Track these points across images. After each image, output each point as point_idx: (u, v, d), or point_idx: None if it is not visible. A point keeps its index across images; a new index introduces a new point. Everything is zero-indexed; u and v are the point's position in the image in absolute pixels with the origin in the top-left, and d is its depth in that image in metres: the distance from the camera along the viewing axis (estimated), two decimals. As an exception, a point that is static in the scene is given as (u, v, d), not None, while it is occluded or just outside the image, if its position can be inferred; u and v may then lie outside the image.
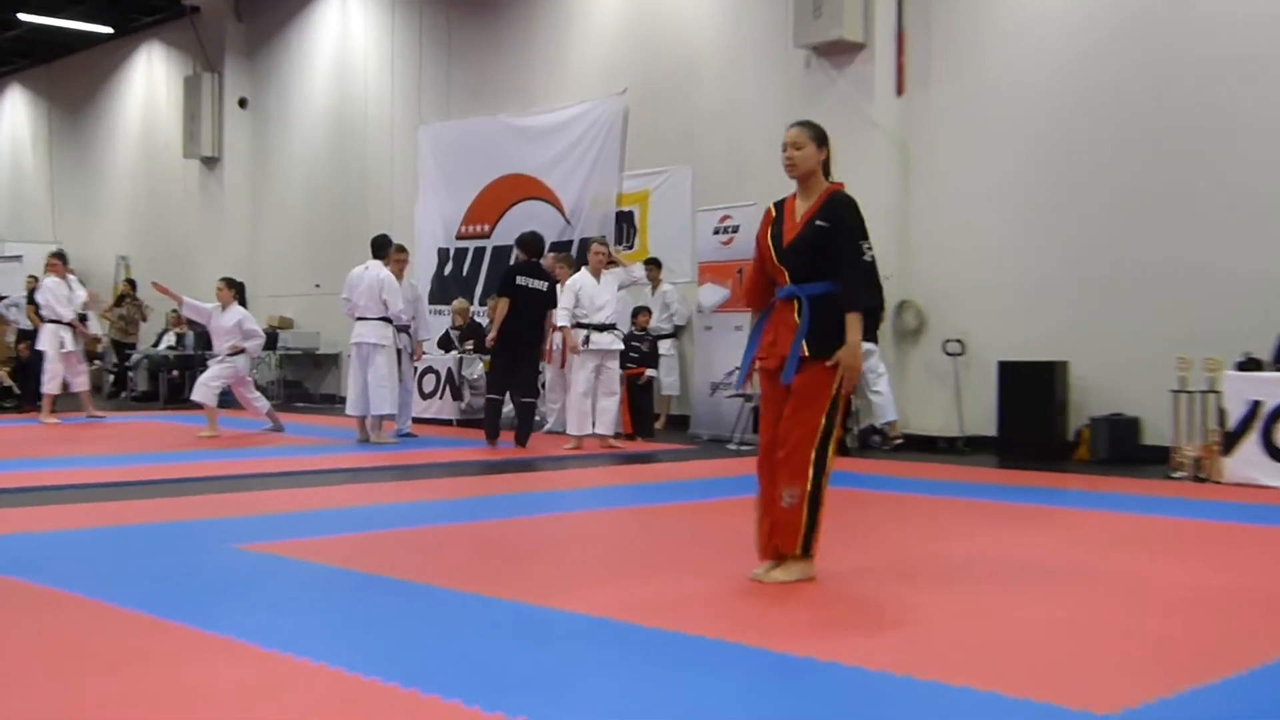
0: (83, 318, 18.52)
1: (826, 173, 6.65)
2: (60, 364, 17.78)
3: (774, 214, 6.71)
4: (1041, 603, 6.12)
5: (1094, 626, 5.64)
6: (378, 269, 14.72)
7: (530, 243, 14.92)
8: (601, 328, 14.34)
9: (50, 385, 17.76)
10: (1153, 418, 13.10)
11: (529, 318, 14.43)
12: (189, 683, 4.63)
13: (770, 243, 6.60)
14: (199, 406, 15.69)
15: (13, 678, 4.73)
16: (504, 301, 14.43)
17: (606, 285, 14.41)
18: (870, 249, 6.39)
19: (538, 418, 16.91)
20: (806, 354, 6.40)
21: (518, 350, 14.42)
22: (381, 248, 14.95)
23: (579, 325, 14.29)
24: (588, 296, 14.27)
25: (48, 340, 17.78)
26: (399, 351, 14.92)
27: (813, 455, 6.39)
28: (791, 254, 6.51)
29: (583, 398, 14.40)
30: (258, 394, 16.33)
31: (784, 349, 6.48)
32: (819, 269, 6.45)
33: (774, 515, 6.52)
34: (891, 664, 4.86)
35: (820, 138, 6.62)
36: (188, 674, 4.75)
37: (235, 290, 16.02)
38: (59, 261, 18.50)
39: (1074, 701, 4.37)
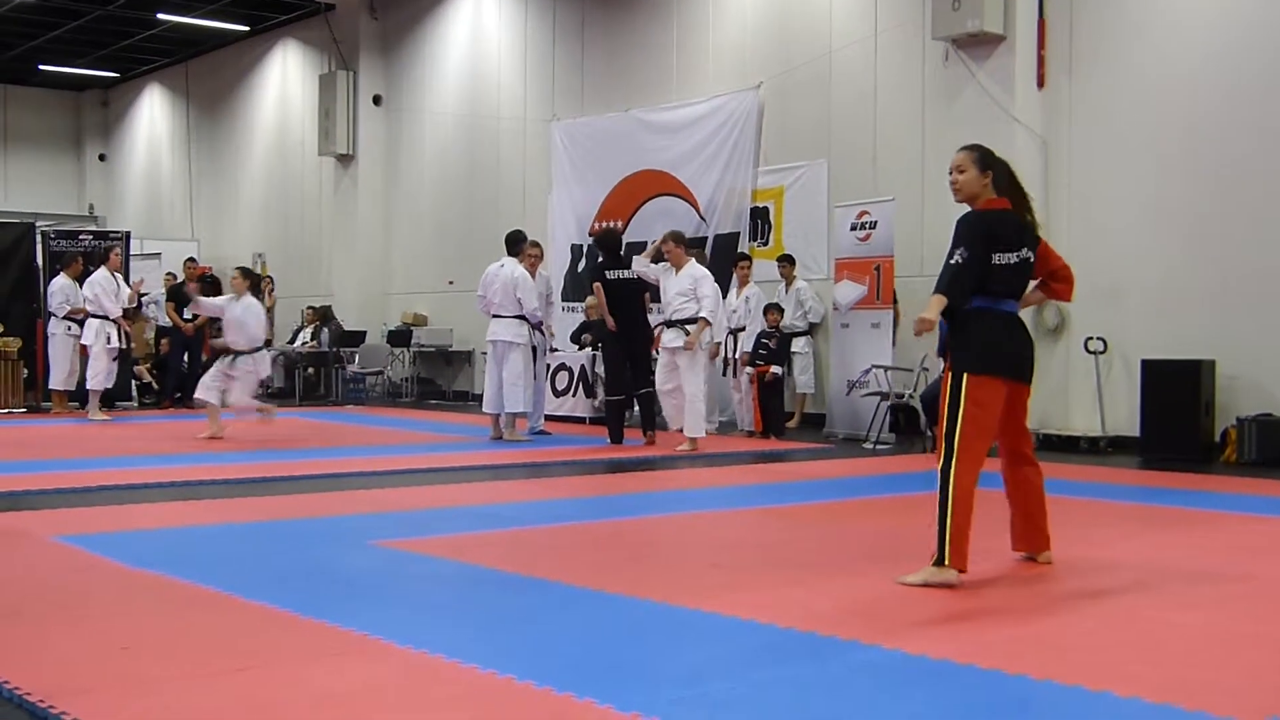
0: (126, 313, 18.66)
1: (1002, 190, 6.76)
2: (105, 359, 17.83)
3: None
4: (1186, 608, 5.99)
5: (1240, 633, 5.53)
6: (512, 266, 14.69)
7: (605, 241, 15.14)
8: (670, 324, 14.07)
9: (95, 381, 17.80)
10: (1305, 418, 12.77)
11: (628, 306, 14.44)
12: (324, 678, 4.67)
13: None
14: (337, 404, 15.60)
15: (151, 672, 4.77)
16: (597, 286, 14.61)
17: (677, 281, 14.05)
18: (960, 254, 6.56)
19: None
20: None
21: (629, 345, 14.35)
22: (515, 244, 14.93)
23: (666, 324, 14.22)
24: (662, 293, 14.20)
25: (93, 336, 17.82)
26: (534, 349, 14.85)
27: (939, 464, 6.52)
28: None
29: (666, 396, 14.28)
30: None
31: None
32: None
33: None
34: (1031, 667, 4.81)
35: (984, 162, 6.75)
36: (323, 670, 4.79)
37: (250, 280, 15.18)
38: (119, 254, 18.63)
39: (1220, 709, 4.30)
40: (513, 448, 13.98)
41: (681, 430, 14.00)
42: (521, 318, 14.61)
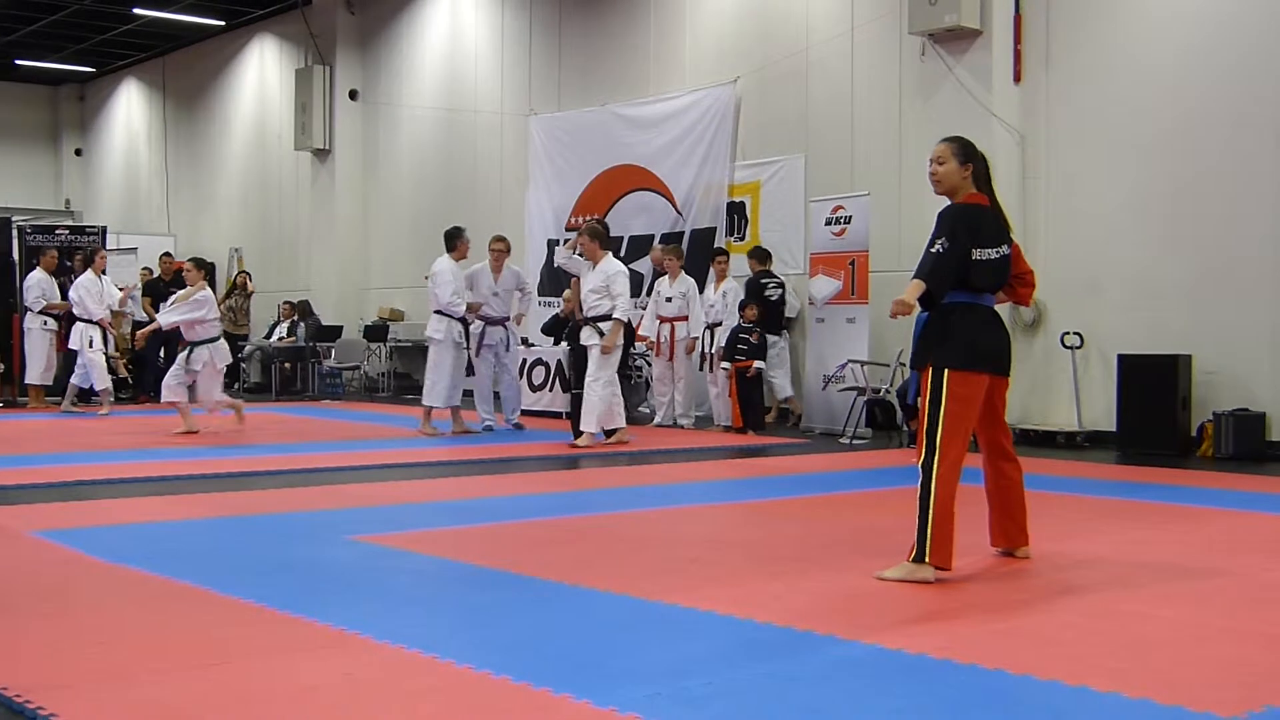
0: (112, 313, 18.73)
1: (980, 185, 6.75)
2: (99, 359, 17.80)
3: None
4: (1163, 603, 5.99)
5: (1217, 628, 5.54)
6: (439, 262, 14.83)
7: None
8: (585, 322, 13.74)
9: (100, 381, 17.80)
10: (1280, 414, 12.83)
11: None
12: (302, 673, 4.67)
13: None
14: (314, 399, 15.56)
15: (129, 667, 4.77)
16: (576, 280, 14.42)
17: (592, 278, 13.73)
18: (941, 243, 6.53)
19: (645, 409, 16.89)
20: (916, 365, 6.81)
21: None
22: (447, 240, 15.00)
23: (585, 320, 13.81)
24: (581, 288, 13.98)
25: (77, 339, 17.78)
26: (461, 344, 14.75)
27: (923, 446, 6.52)
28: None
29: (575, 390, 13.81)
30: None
31: None
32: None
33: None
34: (1009, 662, 4.82)
35: (964, 154, 6.74)
36: (301, 664, 4.79)
37: (204, 271, 15.14)
38: (104, 256, 18.60)
39: (1197, 704, 4.30)
40: (478, 443, 13.93)
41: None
42: (439, 312, 14.67)
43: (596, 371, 13.53)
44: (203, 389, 14.65)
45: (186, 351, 14.58)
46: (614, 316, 13.50)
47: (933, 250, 6.53)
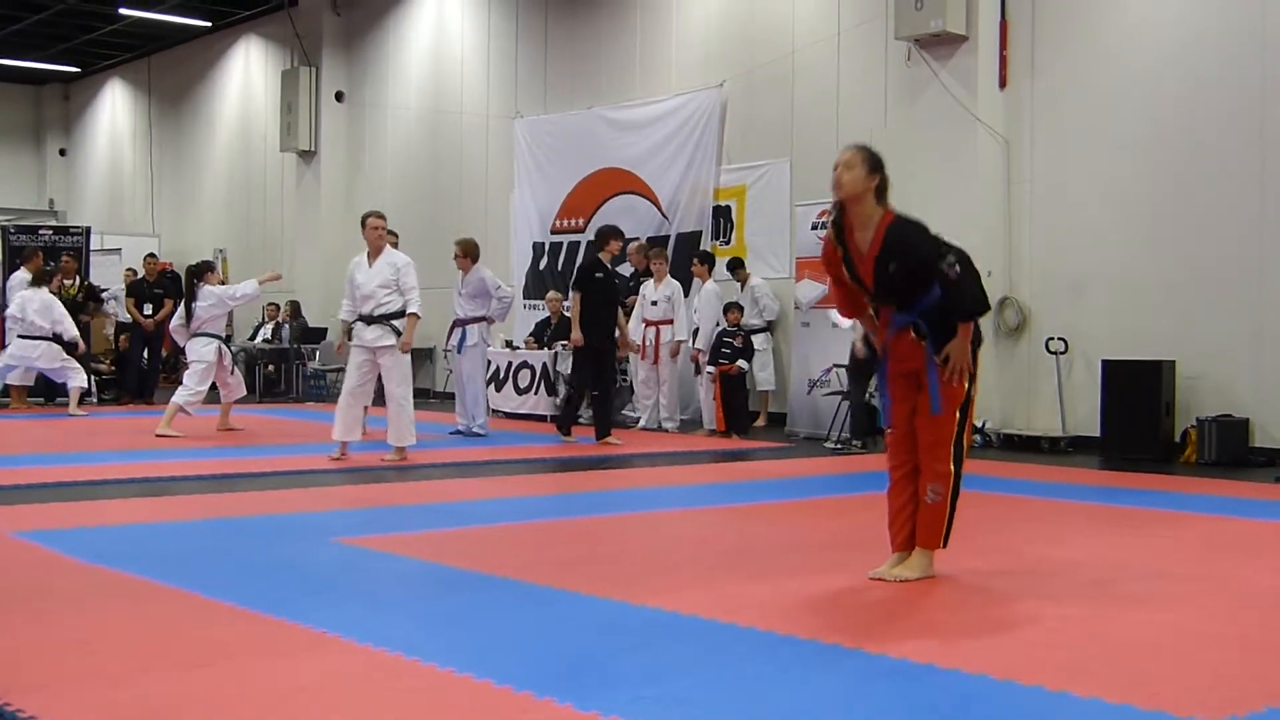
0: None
1: (881, 198, 6.51)
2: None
3: (837, 247, 6.58)
4: (1146, 608, 5.99)
5: (1200, 633, 5.54)
6: None
7: (605, 235, 14.95)
8: (369, 319, 12.35)
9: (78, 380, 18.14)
10: (1264, 419, 12.83)
11: (611, 307, 14.43)
12: (284, 675, 4.65)
13: (853, 283, 6.58)
14: (298, 401, 15.62)
15: (109, 668, 4.75)
16: (576, 296, 14.28)
17: (377, 271, 12.40)
18: (954, 260, 6.28)
19: (630, 413, 16.87)
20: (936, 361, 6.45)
21: (601, 343, 14.29)
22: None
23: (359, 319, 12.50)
24: (357, 284, 12.47)
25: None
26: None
27: (951, 450, 6.45)
28: (884, 295, 6.49)
29: (347, 396, 12.58)
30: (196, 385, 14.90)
31: (914, 363, 6.49)
32: (913, 293, 6.41)
33: (914, 511, 6.56)
34: (991, 667, 4.81)
35: (873, 163, 6.50)
36: (283, 666, 4.77)
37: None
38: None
39: (1180, 709, 4.30)
40: (471, 444, 13.94)
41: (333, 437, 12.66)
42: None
43: (402, 380, 12.51)
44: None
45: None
46: (410, 311, 12.38)
47: (955, 273, 6.27)
